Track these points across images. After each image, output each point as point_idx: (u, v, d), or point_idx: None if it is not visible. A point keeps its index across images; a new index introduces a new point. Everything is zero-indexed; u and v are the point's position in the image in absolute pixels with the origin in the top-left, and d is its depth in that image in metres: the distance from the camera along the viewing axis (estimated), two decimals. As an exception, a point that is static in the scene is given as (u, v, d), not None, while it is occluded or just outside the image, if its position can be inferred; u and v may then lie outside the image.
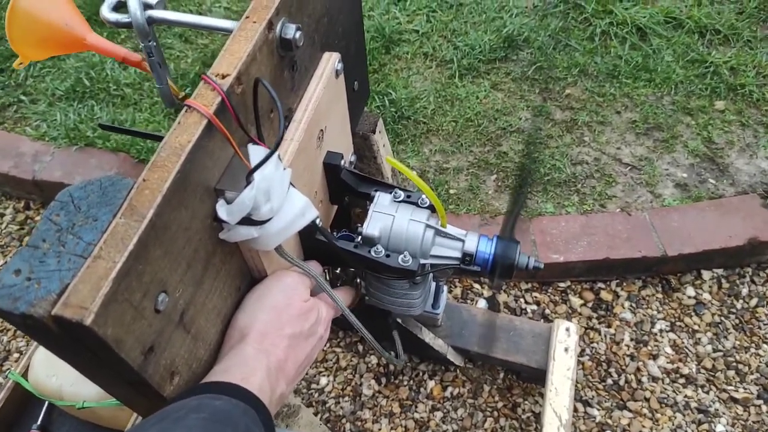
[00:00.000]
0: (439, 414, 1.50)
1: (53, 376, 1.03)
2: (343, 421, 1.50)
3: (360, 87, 1.04)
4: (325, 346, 1.63)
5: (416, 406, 1.51)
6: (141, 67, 0.68)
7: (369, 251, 0.82)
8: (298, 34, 0.68)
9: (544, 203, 1.74)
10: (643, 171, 1.79)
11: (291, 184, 0.64)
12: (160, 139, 0.53)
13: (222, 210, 0.56)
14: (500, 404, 1.50)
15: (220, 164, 0.57)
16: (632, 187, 1.77)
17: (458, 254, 0.85)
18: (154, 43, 0.64)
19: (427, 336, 1.35)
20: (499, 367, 1.54)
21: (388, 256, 0.82)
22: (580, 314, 1.64)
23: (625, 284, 1.68)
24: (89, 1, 2.34)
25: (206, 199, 0.55)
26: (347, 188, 0.89)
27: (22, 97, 2.16)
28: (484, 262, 0.85)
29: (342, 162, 0.86)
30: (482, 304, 1.66)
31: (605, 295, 1.67)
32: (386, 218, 0.84)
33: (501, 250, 0.84)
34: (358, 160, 1.11)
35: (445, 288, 1.16)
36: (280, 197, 0.60)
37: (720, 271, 1.68)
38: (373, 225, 0.83)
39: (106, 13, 0.69)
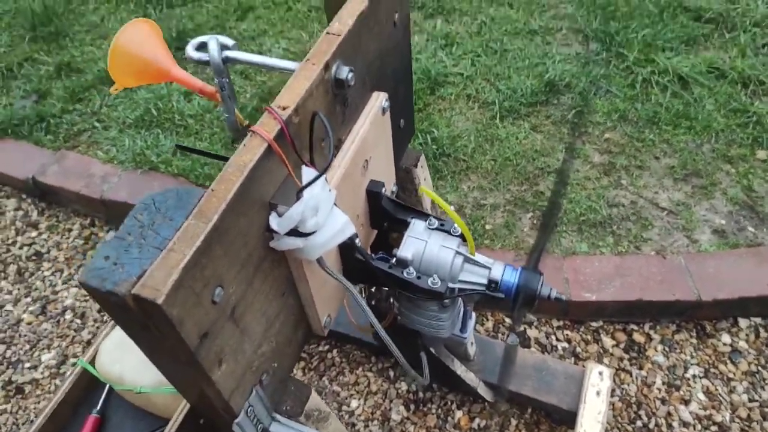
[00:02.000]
0: (465, 443, 1.52)
1: (117, 363, 1.15)
2: (372, 443, 1.54)
3: (405, 125, 1.13)
4: (358, 369, 1.68)
5: (443, 434, 1.54)
6: (214, 98, 0.79)
7: (402, 272, 0.89)
8: (350, 75, 0.78)
9: (579, 243, 1.77)
10: (680, 216, 1.81)
11: (335, 204, 0.72)
12: (227, 160, 0.62)
13: (274, 221, 0.65)
14: (527, 438, 1.52)
15: (276, 182, 0.67)
16: (668, 231, 1.78)
17: (484, 280, 0.92)
18: (227, 80, 0.75)
19: (459, 368, 1.37)
20: (529, 405, 1.56)
21: (419, 277, 0.89)
22: (611, 355, 1.65)
23: (658, 327, 1.68)
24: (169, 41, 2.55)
25: (262, 211, 0.64)
26: (386, 214, 0.98)
27: (96, 124, 2.37)
28: (508, 290, 0.91)
29: (383, 190, 0.95)
30: (513, 339, 1.69)
31: (638, 337, 1.67)
32: (419, 243, 0.91)
33: (524, 279, 0.90)
34: (401, 191, 1.20)
35: (474, 315, 1.22)
36: (325, 214, 0.68)
37: (758, 320, 1.66)
38: (407, 248, 0.91)
39: (191, 51, 0.81)
